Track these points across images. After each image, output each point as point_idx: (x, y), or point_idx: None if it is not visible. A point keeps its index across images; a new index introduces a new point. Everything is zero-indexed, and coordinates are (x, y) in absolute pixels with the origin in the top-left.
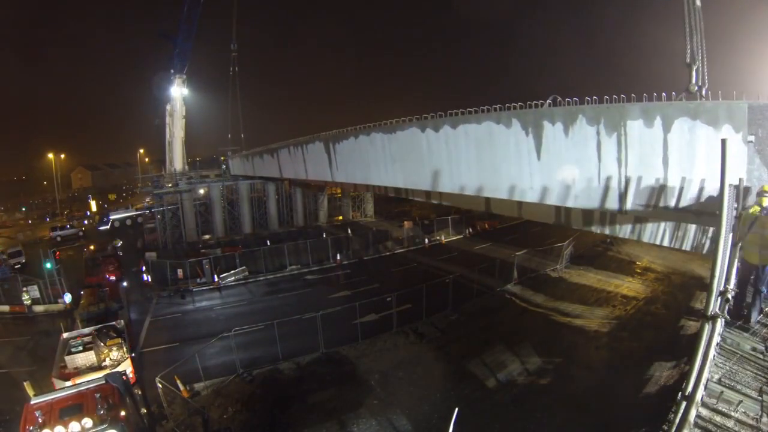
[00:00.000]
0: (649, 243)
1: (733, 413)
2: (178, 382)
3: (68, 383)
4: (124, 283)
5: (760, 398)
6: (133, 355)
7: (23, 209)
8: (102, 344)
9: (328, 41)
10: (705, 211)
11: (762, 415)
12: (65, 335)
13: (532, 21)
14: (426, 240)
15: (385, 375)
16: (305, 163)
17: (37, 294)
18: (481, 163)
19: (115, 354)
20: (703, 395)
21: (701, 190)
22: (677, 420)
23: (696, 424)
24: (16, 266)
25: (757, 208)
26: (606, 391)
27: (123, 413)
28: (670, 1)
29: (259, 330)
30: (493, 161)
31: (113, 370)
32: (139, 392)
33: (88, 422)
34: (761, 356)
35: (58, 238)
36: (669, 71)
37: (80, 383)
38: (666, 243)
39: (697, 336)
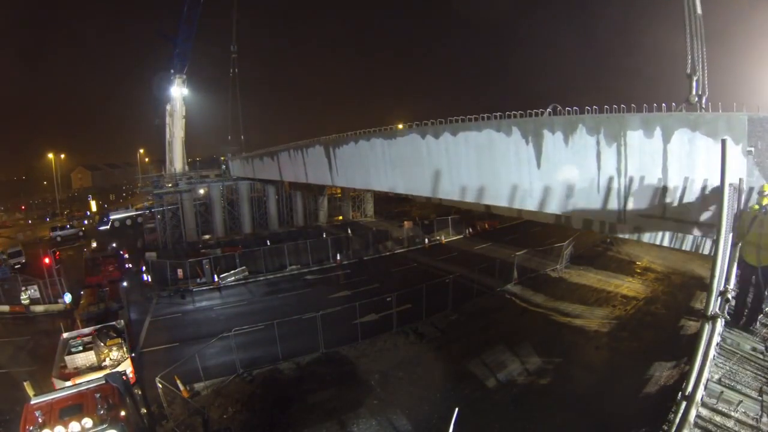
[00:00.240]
0: (649, 243)
1: (733, 413)
2: (178, 382)
3: (68, 383)
4: (124, 283)
5: (760, 398)
6: (133, 355)
7: (23, 208)
8: (102, 344)
9: (328, 41)
10: (704, 222)
11: (762, 415)
12: (65, 335)
13: (532, 21)
14: (426, 240)
15: (385, 375)
16: (305, 167)
17: (36, 294)
18: (482, 170)
19: (115, 354)
20: (703, 395)
21: (700, 200)
22: (677, 420)
23: (696, 424)
24: (16, 266)
25: (756, 207)
26: (606, 391)
27: (123, 413)
28: (670, 3)
29: (259, 330)
30: (494, 168)
31: (113, 370)
32: (139, 392)
33: (88, 422)
34: (761, 356)
35: (58, 238)
36: (669, 72)
37: (80, 383)
38: (666, 243)
39: (697, 336)
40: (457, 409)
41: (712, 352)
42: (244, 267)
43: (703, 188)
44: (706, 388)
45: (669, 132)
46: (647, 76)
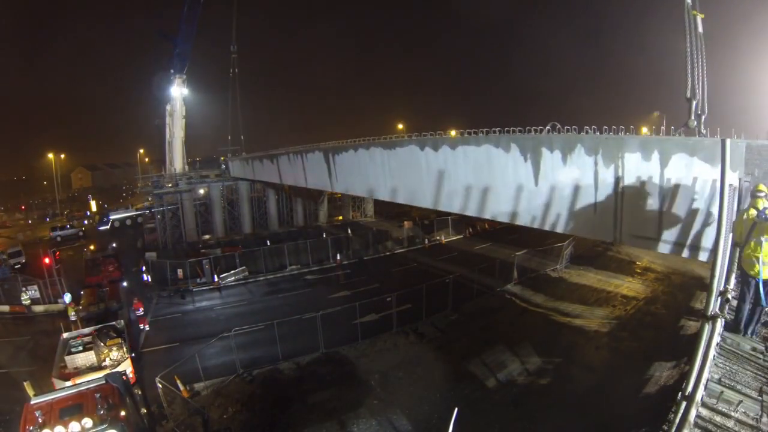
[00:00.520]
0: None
1: (733, 413)
2: (178, 382)
3: (68, 383)
4: (124, 283)
5: (760, 398)
6: (133, 355)
7: (23, 208)
8: (102, 344)
9: (328, 41)
10: (700, 246)
11: (762, 415)
12: (65, 335)
13: (532, 21)
14: (426, 240)
15: (385, 375)
16: (305, 171)
17: (36, 294)
18: (480, 184)
19: (115, 354)
20: (703, 395)
21: (697, 225)
22: (677, 420)
23: (696, 424)
24: (16, 266)
25: (753, 212)
26: (606, 391)
27: (123, 413)
28: (671, 6)
29: (259, 330)
30: (492, 184)
31: (113, 370)
32: (139, 392)
33: (88, 422)
34: (761, 356)
35: (58, 238)
36: (669, 71)
37: (80, 383)
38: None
39: (697, 336)
40: (456, 409)
41: (712, 352)
42: (244, 267)
43: (699, 213)
44: (706, 388)
45: (667, 156)
46: (647, 73)
